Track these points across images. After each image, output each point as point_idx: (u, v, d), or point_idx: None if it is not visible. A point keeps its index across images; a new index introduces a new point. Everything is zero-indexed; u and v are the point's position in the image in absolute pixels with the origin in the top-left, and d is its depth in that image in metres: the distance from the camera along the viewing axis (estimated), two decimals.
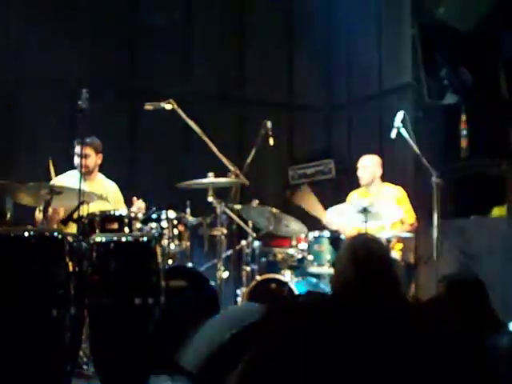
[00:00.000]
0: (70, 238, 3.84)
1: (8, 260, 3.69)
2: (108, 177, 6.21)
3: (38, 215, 5.53)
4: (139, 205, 5.62)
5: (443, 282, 3.81)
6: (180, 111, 5.75)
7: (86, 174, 5.94)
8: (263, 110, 7.81)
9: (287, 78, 8.85)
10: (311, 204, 6.39)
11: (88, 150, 5.95)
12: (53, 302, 3.68)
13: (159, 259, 4.26)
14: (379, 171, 6.61)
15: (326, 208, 6.28)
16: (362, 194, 6.65)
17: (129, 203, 5.77)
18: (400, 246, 6.51)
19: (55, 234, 3.86)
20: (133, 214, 4.96)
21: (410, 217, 6.48)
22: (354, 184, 6.86)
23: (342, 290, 2.82)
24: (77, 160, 5.79)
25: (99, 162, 6.08)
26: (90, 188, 5.49)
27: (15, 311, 3.58)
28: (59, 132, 7.13)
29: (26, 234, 3.72)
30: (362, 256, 2.83)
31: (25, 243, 3.71)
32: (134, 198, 5.68)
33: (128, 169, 7.52)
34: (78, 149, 5.79)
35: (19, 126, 7.25)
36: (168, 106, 5.74)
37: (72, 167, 5.92)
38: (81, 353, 4.30)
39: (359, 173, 6.63)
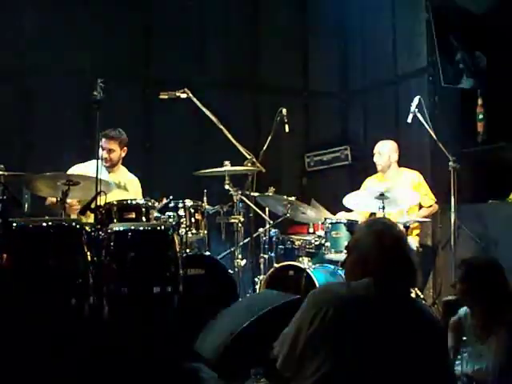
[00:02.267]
0: (87, 228, 3.86)
1: (27, 251, 3.72)
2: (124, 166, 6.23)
3: (51, 199, 5.57)
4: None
5: (462, 266, 3.81)
6: (195, 99, 5.75)
7: (109, 167, 5.98)
8: (278, 97, 7.77)
9: (302, 65, 8.81)
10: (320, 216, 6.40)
11: (113, 145, 5.99)
12: (72, 292, 3.71)
13: (177, 248, 4.27)
14: (395, 156, 6.58)
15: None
16: (379, 180, 6.63)
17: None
18: (417, 231, 6.49)
19: (73, 224, 3.88)
20: (150, 203, 4.96)
21: (429, 199, 6.46)
22: (371, 170, 6.84)
23: (362, 273, 2.82)
24: (100, 152, 5.81)
25: (123, 155, 6.11)
26: (111, 178, 5.51)
27: (35, 301, 3.61)
28: (74, 122, 7.15)
29: (45, 224, 3.74)
30: (388, 241, 2.83)
31: (43, 234, 3.74)
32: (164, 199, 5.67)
33: (143, 158, 7.52)
34: (102, 142, 5.82)
35: (34, 116, 7.25)
36: (183, 95, 5.75)
37: (88, 157, 5.93)
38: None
39: (375, 159, 6.61)
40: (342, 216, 6.34)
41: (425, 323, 2.83)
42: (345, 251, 5.89)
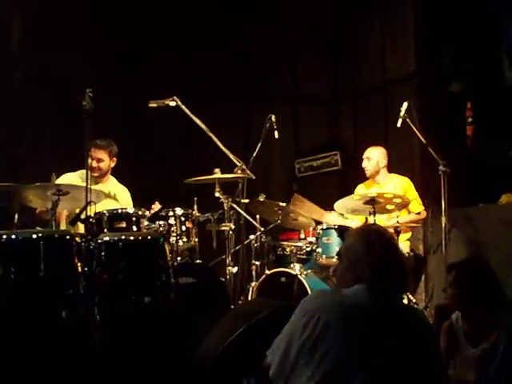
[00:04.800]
0: (78, 239, 3.85)
1: (17, 262, 3.70)
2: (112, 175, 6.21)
3: (41, 210, 5.54)
4: (157, 207, 5.60)
5: (452, 271, 3.80)
6: (184, 108, 5.74)
7: (98, 177, 5.95)
8: (267, 104, 7.76)
9: (291, 71, 8.80)
10: (307, 209, 6.37)
11: (102, 154, 5.97)
12: (62, 303, 3.69)
13: (168, 257, 4.26)
14: (384, 162, 6.59)
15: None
16: (369, 186, 6.64)
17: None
18: (408, 235, 6.49)
19: (64, 235, 3.87)
20: (140, 212, 4.95)
21: (417, 206, 6.47)
22: (361, 175, 6.84)
23: (354, 279, 2.81)
24: (90, 162, 5.78)
25: (113, 165, 6.09)
26: (100, 188, 5.49)
27: (25, 313, 3.59)
28: (63, 133, 7.12)
29: (35, 236, 3.72)
30: (379, 248, 2.83)
31: (33, 245, 3.72)
32: (156, 203, 5.65)
33: (132, 167, 7.48)
34: (91, 151, 5.79)
35: (23, 127, 7.22)
36: (172, 103, 5.74)
37: (78, 167, 5.91)
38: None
39: (364, 164, 6.62)
40: (334, 217, 6.30)
41: (417, 329, 2.83)
42: (336, 257, 5.91)
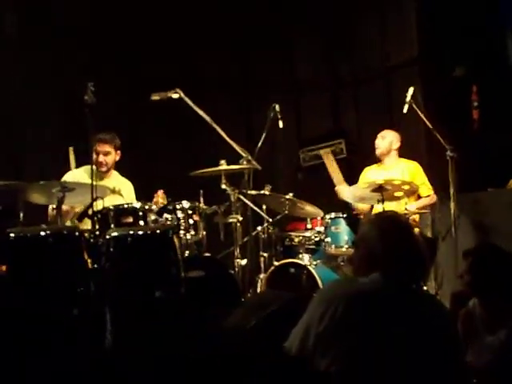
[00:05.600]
0: (86, 235, 3.79)
1: (25, 261, 3.64)
2: (122, 171, 6.16)
3: (51, 212, 5.49)
4: (160, 196, 5.56)
5: (469, 257, 3.75)
6: (187, 99, 5.67)
7: (105, 172, 5.90)
8: (267, 94, 7.71)
9: (291, 60, 8.74)
10: (333, 169, 6.38)
11: (108, 148, 5.92)
12: (73, 301, 3.63)
13: (177, 250, 4.20)
14: (397, 144, 6.51)
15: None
16: (378, 169, 6.57)
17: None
18: (417, 221, 6.44)
19: (72, 231, 3.81)
20: (146, 207, 4.89)
21: (427, 189, 6.42)
22: (366, 163, 6.79)
23: (370, 268, 2.77)
24: (95, 157, 5.74)
25: (117, 158, 6.03)
26: (105, 184, 5.45)
27: (36, 312, 3.54)
28: (65, 128, 7.06)
29: (43, 233, 3.66)
30: (395, 235, 2.80)
31: (42, 243, 3.66)
32: (160, 192, 5.60)
33: (136, 160, 7.44)
34: (96, 146, 5.74)
35: (24, 125, 7.17)
36: (175, 95, 5.66)
37: (81, 163, 5.86)
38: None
39: (376, 142, 6.53)
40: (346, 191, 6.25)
41: (436, 316, 2.81)
42: (345, 246, 5.87)
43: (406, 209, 5.85)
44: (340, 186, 6.34)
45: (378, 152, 6.54)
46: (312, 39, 8.72)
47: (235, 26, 8.29)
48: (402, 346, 2.64)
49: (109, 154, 5.93)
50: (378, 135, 6.56)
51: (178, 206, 5.33)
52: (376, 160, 6.64)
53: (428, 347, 2.69)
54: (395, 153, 6.54)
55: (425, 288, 5.87)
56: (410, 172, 6.44)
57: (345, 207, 6.40)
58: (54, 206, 4.82)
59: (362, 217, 6.06)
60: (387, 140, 6.50)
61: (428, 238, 6.57)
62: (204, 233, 5.50)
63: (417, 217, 6.39)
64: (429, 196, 6.44)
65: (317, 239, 6.08)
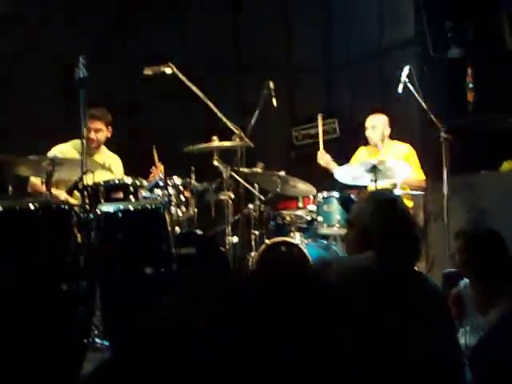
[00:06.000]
0: (77, 209, 3.74)
1: (15, 234, 3.59)
2: (109, 146, 6.10)
3: (34, 181, 5.45)
4: (159, 168, 5.51)
5: (460, 237, 3.73)
6: (180, 75, 5.61)
7: (95, 148, 5.85)
8: (262, 72, 7.64)
9: (285, 40, 8.67)
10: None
11: (99, 124, 5.85)
12: (63, 276, 3.59)
13: (169, 227, 4.16)
14: (388, 130, 6.48)
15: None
16: (371, 153, 6.52)
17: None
18: (410, 203, 6.41)
19: (62, 205, 3.76)
20: (137, 182, 4.84)
21: (419, 175, 6.38)
22: (359, 143, 6.75)
23: (364, 246, 2.74)
24: (86, 133, 5.67)
25: (109, 135, 5.97)
26: (94, 159, 5.40)
27: (26, 287, 3.49)
28: (58, 103, 6.98)
29: (32, 206, 3.60)
30: (390, 214, 2.77)
31: (31, 216, 3.61)
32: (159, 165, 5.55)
33: (128, 136, 7.38)
34: (89, 122, 5.66)
35: (12, 97, 7.08)
36: (168, 70, 5.60)
37: (71, 138, 5.79)
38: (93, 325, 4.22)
39: (368, 133, 6.49)
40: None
41: (429, 296, 2.79)
42: (337, 225, 5.84)
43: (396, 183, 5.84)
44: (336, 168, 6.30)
45: (372, 143, 6.50)
46: (308, 18, 8.64)
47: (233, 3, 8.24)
48: (395, 324, 2.62)
49: (100, 130, 5.86)
50: (367, 125, 6.49)
51: (169, 183, 5.29)
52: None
53: (422, 327, 2.67)
54: (387, 138, 6.51)
55: (416, 268, 5.86)
56: (404, 154, 6.40)
57: (337, 186, 6.36)
58: (42, 180, 4.75)
59: (353, 196, 6.02)
60: (378, 130, 6.43)
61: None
62: (195, 210, 5.46)
63: (410, 198, 6.36)
64: (420, 182, 6.40)
65: (308, 218, 6.05)
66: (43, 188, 4.75)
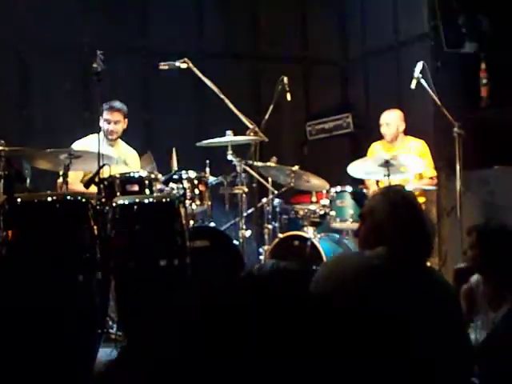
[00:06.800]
0: (93, 202, 3.79)
1: (32, 226, 3.65)
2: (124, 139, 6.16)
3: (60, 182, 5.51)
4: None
5: (473, 233, 3.75)
6: (195, 70, 5.65)
7: (114, 140, 5.90)
8: (277, 66, 7.67)
9: (300, 32, 8.67)
10: None
11: (118, 116, 5.88)
12: (79, 267, 3.65)
13: (183, 220, 4.21)
14: (403, 126, 6.49)
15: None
16: (386, 148, 6.54)
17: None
18: (423, 199, 6.42)
19: (79, 198, 3.81)
20: (153, 176, 4.89)
21: (431, 171, 6.40)
22: (374, 137, 6.77)
23: (377, 242, 2.76)
24: (105, 126, 5.73)
25: (125, 127, 6.02)
26: (112, 152, 5.45)
27: (42, 278, 3.55)
28: (73, 96, 7.04)
29: (50, 199, 3.67)
30: (404, 210, 2.77)
31: (49, 209, 3.67)
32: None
33: (143, 130, 7.43)
34: (107, 114, 5.72)
35: (32, 90, 7.15)
36: (183, 65, 5.64)
37: (88, 131, 5.84)
38: (107, 316, 4.28)
39: (383, 130, 6.50)
40: None
41: (441, 292, 2.79)
42: (350, 220, 5.87)
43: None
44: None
45: (387, 140, 6.51)
46: (324, 12, 8.65)
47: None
48: (406, 320, 2.64)
49: (119, 122, 5.90)
50: (382, 121, 6.50)
51: (184, 176, 5.33)
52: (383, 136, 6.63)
53: (432, 323, 2.68)
54: (402, 133, 6.52)
55: (428, 264, 5.88)
56: (418, 150, 6.41)
57: (350, 181, 6.39)
58: (60, 173, 4.81)
59: (366, 191, 6.05)
60: (393, 126, 6.45)
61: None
62: (209, 203, 5.51)
63: (423, 194, 6.37)
64: (432, 178, 6.42)
65: (321, 213, 6.08)
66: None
